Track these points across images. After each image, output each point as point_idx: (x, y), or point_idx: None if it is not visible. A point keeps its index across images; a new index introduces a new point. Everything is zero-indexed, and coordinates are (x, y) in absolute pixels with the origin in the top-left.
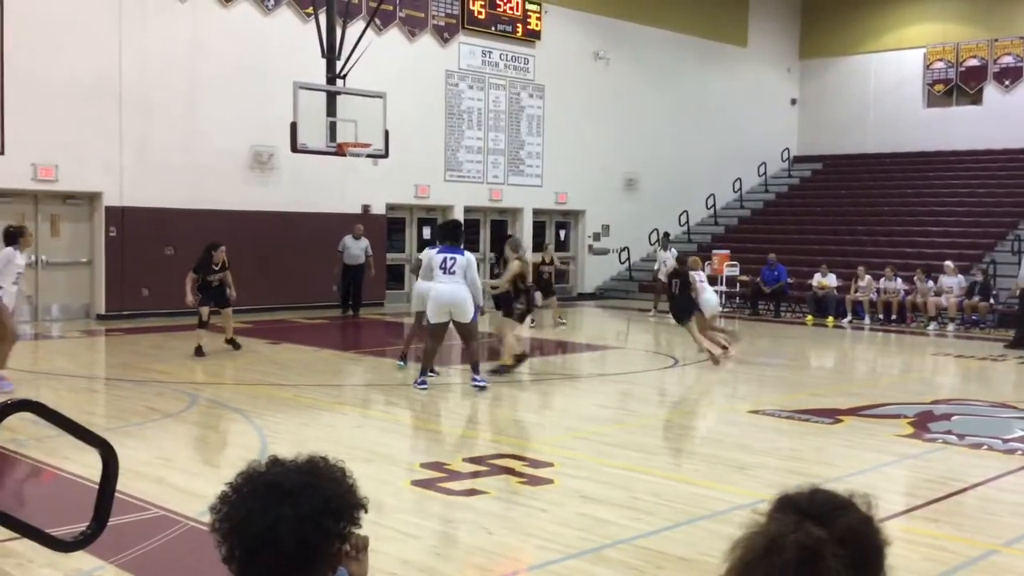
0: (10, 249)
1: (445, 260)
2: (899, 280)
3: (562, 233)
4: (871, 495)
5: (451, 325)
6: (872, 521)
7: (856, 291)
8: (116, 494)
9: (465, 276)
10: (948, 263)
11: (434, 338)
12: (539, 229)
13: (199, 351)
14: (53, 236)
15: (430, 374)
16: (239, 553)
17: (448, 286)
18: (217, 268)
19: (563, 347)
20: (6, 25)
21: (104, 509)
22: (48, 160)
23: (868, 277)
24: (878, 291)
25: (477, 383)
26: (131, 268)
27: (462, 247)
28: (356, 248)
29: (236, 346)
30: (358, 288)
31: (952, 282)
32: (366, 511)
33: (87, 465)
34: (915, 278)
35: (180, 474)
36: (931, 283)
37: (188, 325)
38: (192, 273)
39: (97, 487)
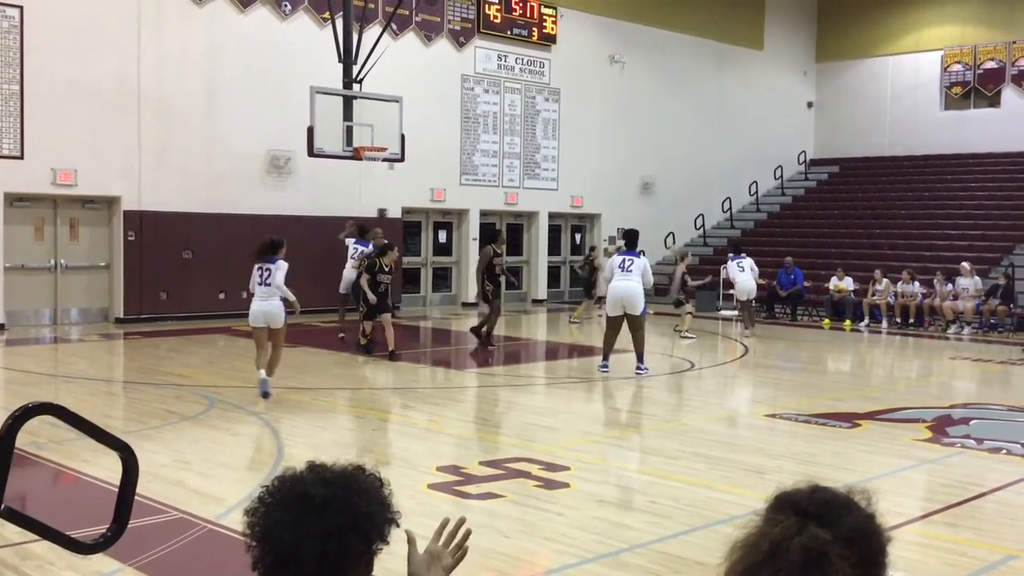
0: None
1: (623, 261)
2: (916, 284)
3: (577, 236)
4: (870, 490)
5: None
6: (874, 518)
7: (873, 294)
8: (135, 497)
9: (640, 274)
10: (964, 264)
11: (611, 328)
12: (555, 232)
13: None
14: (72, 240)
15: (604, 364)
16: (267, 561)
17: (623, 283)
18: (388, 270)
19: (578, 350)
20: (26, 30)
21: (124, 512)
22: (67, 164)
23: (885, 280)
24: (895, 294)
25: (640, 370)
26: (149, 272)
27: (639, 251)
28: None
29: (395, 357)
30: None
31: (968, 283)
32: (398, 525)
33: (106, 468)
34: (935, 281)
35: (198, 477)
36: (950, 286)
37: (206, 328)
38: (366, 274)
39: (116, 490)
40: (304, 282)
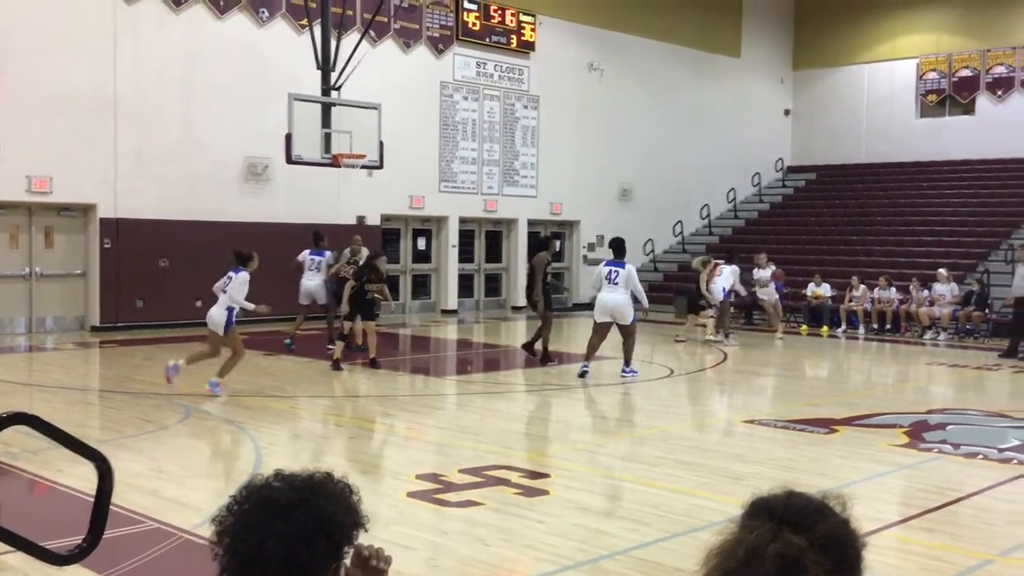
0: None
1: (610, 273)
2: (893, 290)
3: (557, 243)
4: (845, 495)
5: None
6: (849, 524)
7: (850, 301)
8: (111, 507)
9: (627, 285)
10: (941, 271)
11: (597, 334)
12: (534, 240)
13: (338, 365)
14: (47, 248)
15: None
16: (232, 567)
17: (611, 296)
18: (376, 279)
19: (559, 358)
20: (1, 37)
21: (99, 522)
22: (42, 172)
23: (862, 287)
24: (872, 301)
25: (627, 373)
26: (126, 279)
27: (624, 261)
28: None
29: (376, 365)
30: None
31: (945, 290)
32: (366, 530)
33: (81, 478)
34: (911, 287)
35: (174, 486)
36: (926, 292)
37: (183, 337)
38: (353, 280)
39: (92, 500)
40: (283, 291)
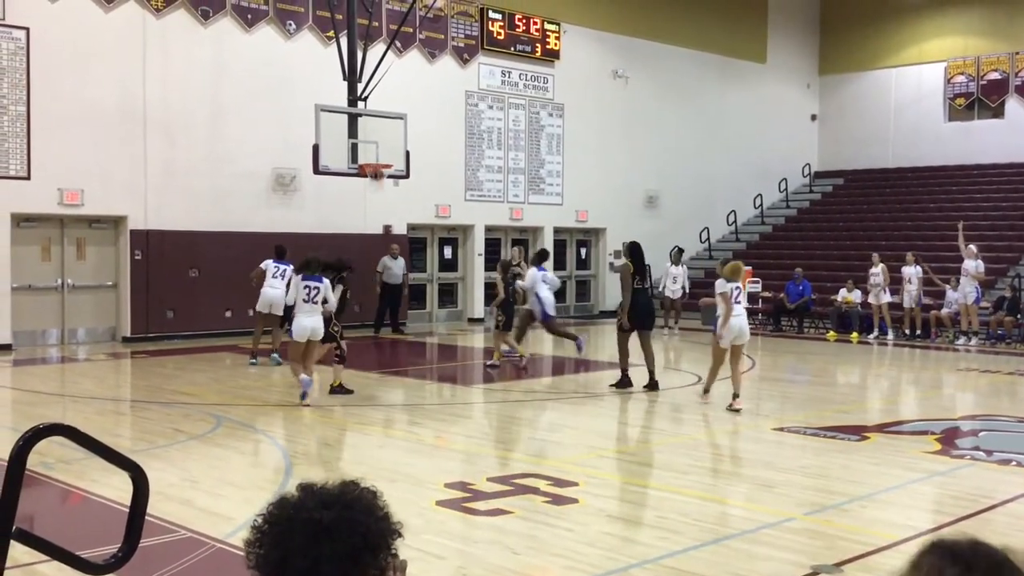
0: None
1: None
2: (918, 268)
3: (583, 251)
4: (1021, 550)
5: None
6: None
7: (869, 280)
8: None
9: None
10: (971, 246)
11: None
12: (560, 247)
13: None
14: (79, 260)
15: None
16: None
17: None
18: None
19: (585, 365)
20: (32, 52)
21: (135, 532)
22: (74, 185)
23: (882, 265)
24: (900, 288)
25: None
26: (156, 291)
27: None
28: (396, 267)
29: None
30: (397, 306)
31: (970, 265)
32: (402, 537)
33: (116, 488)
34: (947, 288)
35: (206, 496)
36: (960, 294)
37: (212, 347)
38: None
39: (126, 509)
40: None
